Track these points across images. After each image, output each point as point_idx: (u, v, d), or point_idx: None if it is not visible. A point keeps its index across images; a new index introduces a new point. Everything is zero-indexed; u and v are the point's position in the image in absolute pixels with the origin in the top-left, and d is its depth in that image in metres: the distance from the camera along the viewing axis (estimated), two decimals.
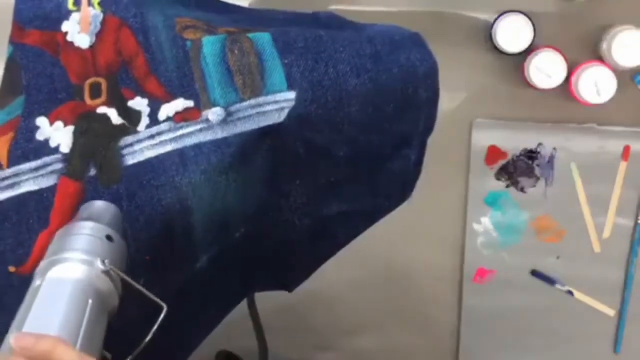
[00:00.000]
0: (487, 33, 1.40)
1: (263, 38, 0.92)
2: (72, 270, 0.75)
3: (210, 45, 0.92)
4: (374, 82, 0.93)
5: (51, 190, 0.89)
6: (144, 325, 0.80)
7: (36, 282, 0.76)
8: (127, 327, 0.84)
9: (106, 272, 0.75)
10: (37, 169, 0.89)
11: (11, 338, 0.67)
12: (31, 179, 0.89)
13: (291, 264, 1.05)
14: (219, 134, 0.90)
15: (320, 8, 1.09)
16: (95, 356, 0.70)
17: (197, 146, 0.89)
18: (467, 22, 1.41)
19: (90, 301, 0.72)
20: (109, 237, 0.80)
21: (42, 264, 0.77)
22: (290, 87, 0.91)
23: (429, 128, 1.01)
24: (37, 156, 0.89)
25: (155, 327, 0.77)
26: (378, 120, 0.95)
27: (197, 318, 1.02)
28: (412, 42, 0.97)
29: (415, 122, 0.99)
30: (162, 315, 0.77)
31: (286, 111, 0.91)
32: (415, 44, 0.97)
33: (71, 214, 0.88)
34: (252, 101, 0.91)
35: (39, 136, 0.90)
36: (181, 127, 0.90)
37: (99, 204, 0.87)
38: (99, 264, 0.75)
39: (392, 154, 1.01)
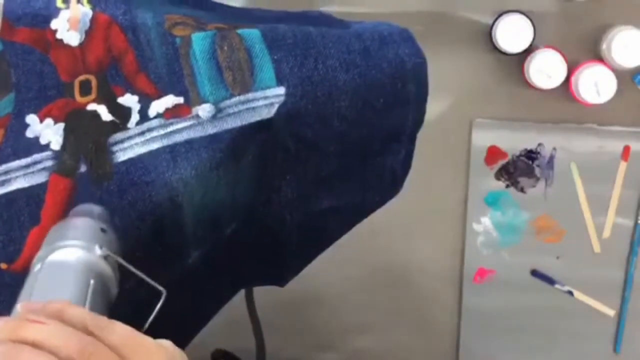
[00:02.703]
0: (487, 33, 1.40)
1: (252, 34, 0.93)
2: (72, 253, 0.75)
3: (199, 41, 0.92)
4: (364, 77, 0.93)
5: (42, 187, 0.89)
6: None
7: (36, 267, 0.76)
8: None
9: (104, 258, 0.76)
10: (27, 166, 0.89)
11: (19, 307, 0.67)
12: (22, 177, 0.89)
13: (283, 259, 1.05)
14: (209, 130, 0.90)
15: (320, 8, 1.10)
16: None
17: (188, 142, 0.90)
18: (467, 22, 1.41)
19: (92, 282, 0.73)
20: (102, 230, 0.81)
21: (41, 252, 0.77)
22: (279, 82, 0.91)
23: (418, 123, 1.02)
24: (27, 153, 0.89)
25: (156, 311, 0.77)
26: (368, 115, 0.95)
27: (189, 314, 1.02)
28: (401, 38, 0.97)
29: (404, 116, 0.99)
30: (162, 300, 0.77)
31: (276, 107, 0.91)
32: (404, 40, 0.97)
33: (62, 211, 0.88)
34: (242, 97, 0.91)
35: (29, 134, 0.90)
36: (171, 124, 0.90)
37: (87, 205, 0.87)
38: (97, 250, 0.76)
39: (382, 148, 1.01)
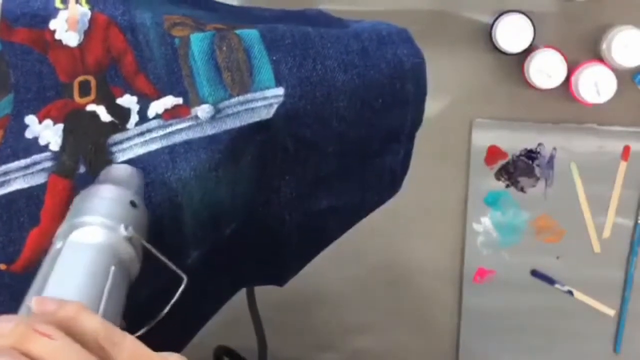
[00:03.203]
0: (487, 33, 1.40)
1: (251, 35, 0.93)
2: (95, 234, 0.73)
3: (198, 42, 0.92)
4: (362, 77, 0.93)
5: (41, 188, 0.89)
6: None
7: (57, 244, 0.74)
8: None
9: (129, 239, 0.74)
10: (26, 167, 0.89)
11: (32, 301, 0.66)
12: (21, 177, 0.89)
13: (282, 258, 1.05)
14: (208, 131, 0.90)
15: (320, 7, 1.09)
16: (117, 324, 0.69)
17: (187, 143, 0.90)
18: (467, 22, 1.41)
19: (112, 268, 0.71)
20: (132, 203, 0.78)
21: (64, 226, 0.75)
22: (278, 83, 0.91)
23: (417, 123, 1.02)
24: (26, 154, 0.89)
25: (176, 298, 0.76)
26: (366, 115, 0.95)
27: (189, 314, 1.02)
28: (400, 38, 0.97)
29: (403, 116, 0.99)
30: (182, 287, 0.76)
31: (275, 107, 0.91)
32: (403, 40, 0.97)
33: (62, 212, 0.88)
34: (241, 98, 0.91)
35: (28, 134, 0.90)
36: (170, 125, 0.90)
37: (123, 168, 0.86)
38: (122, 230, 0.73)
39: (381, 148, 1.01)
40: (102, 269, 0.71)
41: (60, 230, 0.76)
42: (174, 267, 0.77)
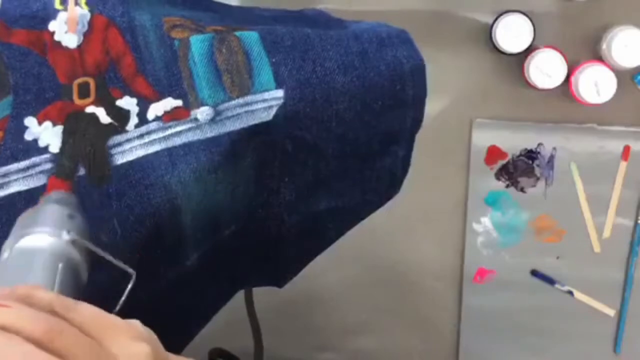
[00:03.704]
0: (487, 33, 1.40)
1: (251, 37, 0.93)
2: (40, 240, 0.74)
3: (198, 44, 0.92)
4: (362, 79, 0.93)
5: (40, 190, 0.89)
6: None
7: (4, 254, 0.75)
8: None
9: (72, 242, 0.75)
10: (26, 169, 0.89)
11: None
12: (20, 179, 0.89)
13: (281, 260, 1.05)
14: (208, 133, 0.90)
15: (320, 6, 1.09)
16: None
17: (187, 145, 0.90)
18: (467, 22, 1.41)
19: (60, 265, 0.72)
20: (70, 216, 0.79)
21: (9, 240, 0.76)
22: (278, 85, 0.91)
23: (417, 125, 1.02)
24: (26, 156, 0.89)
25: (126, 294, 0.76)
26: (366, 117, 0.95)
27: (188, 315, 1.02)
28: (399, 40, 0.97)
29: (403, 119, 0.99)
30: (131, 283, 0.76)
31: (274, 109, 0.91)
32: (403, 42, 0.97)
33: None
34: (241, 100, 0.91)
35: (28, 136, 0.90)
36: (170, 127, 0.90)
37: (57, 193, 0.87)
38: (64, 235, 0.75)
39: (380, 150, 1.01)
40: (50, 266, 0.72)
41: (6, 243, 0.76)
42: (119, 264, 0.77)
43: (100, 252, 0.78)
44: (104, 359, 0.62)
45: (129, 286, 0.76)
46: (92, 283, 0.78)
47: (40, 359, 0.58)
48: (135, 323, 0.67)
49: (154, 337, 0.68)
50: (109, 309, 0.72)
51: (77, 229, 0.78)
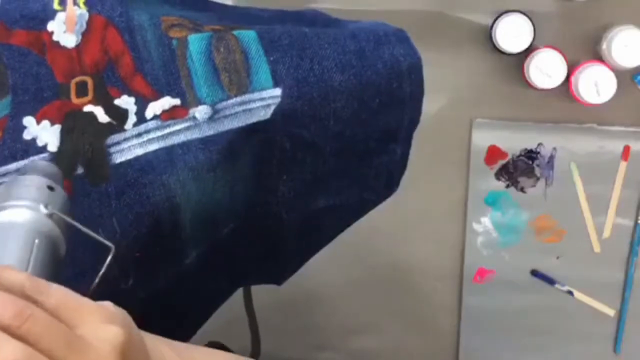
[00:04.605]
0: (487, 33, 1.40)
1: (249, 35, 0.93)
2: (16, 214, 0.73)
3: (196, 43, 0.92)
4: (359, 78, 0.94)
5: None
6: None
7: None
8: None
9: (49, 216, 0.74)
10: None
11: None
12: None
13: (279, 258, 1.05)
14: (206, 131, 0.90)
15: (320, 6, 1.10)
16: None
17: (185, 144, 0.90)
18: (467, 23, 1.41)
19: (36, 241, 0.71)
20: (50, 187, 0.78)
21: None
22: (276, 84, 0.91)
23: (414, 123, 1.02)
24: (24, 156, 0.89)
25: (104, 268, 0.75)
26: (363, 115, 0.96)
27: (187, 313, 1.03)
28: (396, 38, 0.97)
29: (400, 116, 1.00)
30: (110, 256, 0.75)
31: (272, 108, 0.91)
32: (400, 40, 0.97)
33: None
34: (239, 99, 0.91)
35: (26, 136, 0.90)
36: (168, 126, 0.90)
37: (35, 162, 0.86)
38: (42, 209, 0.74)
39: (378, 148, 1.01)
40: (25, 242, 0.71)
41: None
42: (99, 238, 0.76)
43: (79, 226, 0.76)
44: (75, 344, 0.61)
45: (108, 258, 0.75)
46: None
47: (6, 344, 0.57)
48: (108, 305, 0.66)
49: (128, 318, 0.67)
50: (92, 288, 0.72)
51: (56, 202, 0.76)
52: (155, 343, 0.75)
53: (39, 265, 0.70)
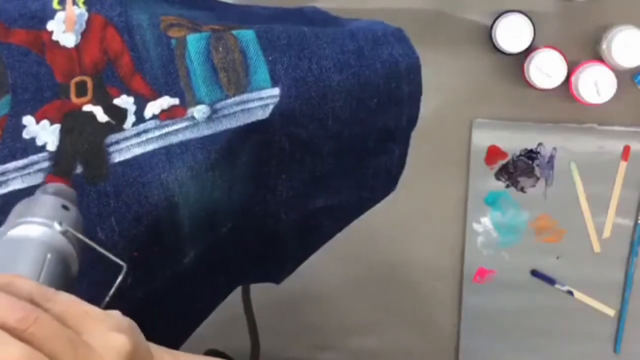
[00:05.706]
0: (487, 33, 1.40)
1: (247, 35, 0.93)
2: (31, 229, 0.75)
3: (195, 43, 0.92)
4: (357, 77, 0.94)
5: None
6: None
7: None
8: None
9: (63, 233, 0.75)
10: (24, 167, 0.90)
11: None
12: (18, 178, 0.90)
13: (278, 257, 1.06)
14: (205, 131, 0.91)
15: (320, 4, 1.10)
16: None
17: (183, 143, 0.90)
18: (467, 22, 1.41)
19: (49, 255, 0.73)
20: (65, 207, 0.80)
21: (1, 228, 0.77)
22: (274, 83, 0.92)
23: (413, 122, 1.02)
24: (24, 155, 0.90)
25: (115, 287, 0.76)
26: (362, 115, 0.96)
27: (186, 312, 1.03)
28: (395, 38, 0.97)
29: (398, 116, 1.00)
30: (121, 275, 0.76)
31: (271, 107, 0.91)
32: (398, 40, 0.97)
33: None
34: (237, 98, 0.91)
35: (26, 135, 0.90)
36: (167, 125, 0.91)
37: (54, 185, 0.87)
38: (56, 226, 0.75)
39: (376, 148, 1.01)
40: (37, 257, 0.72)
41: None
42: (111, 257, 0.77)
43: (92, 244, 0.78)
44: (80, 349, 0.61)
45: (119, 278, 0.76)
46: (88, 278, 0.78)
47: (10, 346, 0.58)
48: (115, 314, 0.67)
49: (135, 327, 0.67)
50: (102, 304, 0.72)
51: (70, 221, 0.78)
52: (160, 353, 0.75)
53: (50, 278, 0.71)
